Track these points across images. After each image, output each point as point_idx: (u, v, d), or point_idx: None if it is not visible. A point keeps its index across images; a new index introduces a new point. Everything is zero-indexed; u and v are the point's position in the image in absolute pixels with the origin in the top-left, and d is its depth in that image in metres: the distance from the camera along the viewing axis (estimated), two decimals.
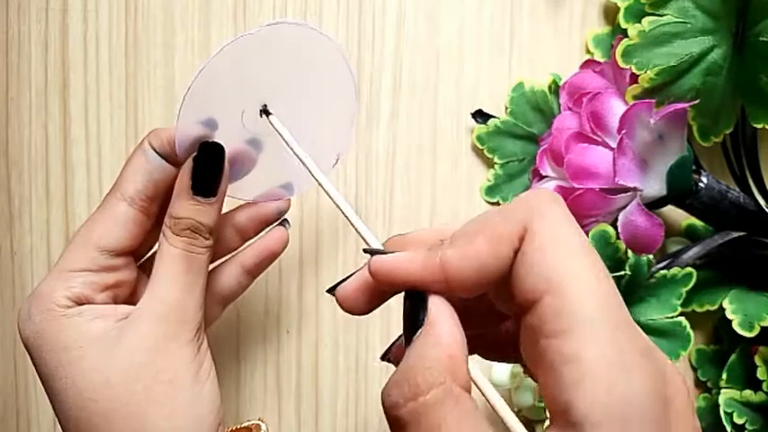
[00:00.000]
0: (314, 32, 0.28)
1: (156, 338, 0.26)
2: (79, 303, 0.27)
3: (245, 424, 0.34)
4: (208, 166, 0.27)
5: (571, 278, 0.18)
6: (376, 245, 0.22)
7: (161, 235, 0.28)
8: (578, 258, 0.18)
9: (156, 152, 0.28)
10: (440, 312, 0.20)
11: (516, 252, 0.19)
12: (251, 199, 0.32)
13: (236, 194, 0.31)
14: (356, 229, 0.23)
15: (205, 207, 0.27)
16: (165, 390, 0.26)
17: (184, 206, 0.27)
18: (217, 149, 0.28)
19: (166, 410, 0.26)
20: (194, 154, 0.27)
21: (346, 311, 0.22)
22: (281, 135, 0.28)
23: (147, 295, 0.27)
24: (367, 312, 0.23)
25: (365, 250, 0.22)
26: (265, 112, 0.28)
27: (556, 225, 0.19)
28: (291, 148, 0.27)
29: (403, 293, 0.21)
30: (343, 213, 0.24)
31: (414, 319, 0.20)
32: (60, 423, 0.26)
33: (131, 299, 0.29)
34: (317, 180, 0.26)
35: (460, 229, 0.20)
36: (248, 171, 0.31)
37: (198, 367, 0.27)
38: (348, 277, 0.22)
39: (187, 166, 0.27)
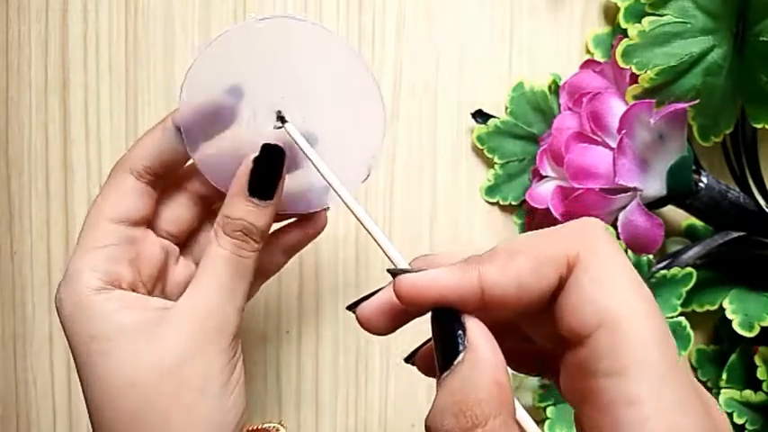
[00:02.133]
0: (332, 37, 0.27)
1: (191, 345, 0.26)
2: (108, 282, 0.26)
3: (265, 425, 0.34)
4: (268, 167, 0.27)
5: (628, 315, 0.17)
6: (403, 265, 0.21)
7: (212, 233, 0.27)
8: (634, 294, 0.18)
9: (178, 129, 0.27)
10: (481, 335, 0.19)
11: (561, 278, 0.19)
12: (291, 211, 0.30)
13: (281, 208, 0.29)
14: (382, 249, 0.22)
15: (260, 209, 0.27)
16: (193, 397, 0.25)
17: (239, 206, 0.27)
18: (278, 151, 0.27)
19: (191, 418, 0.25)
20: (255, 154, 0.27)
21: (367, 331, 0.22)
22: (297, 143, 0.27)
23: (188, 295, 0.26)
24: (389, 333, 0.22)
25: (389, 270, 0.21)
26: (281, 119, 0.27)
27: (610, 258, 0.18)
28: (309, 158, 0.26)
29: (430, 314, 0.20)
30: (367, 231, 0.23)
31: (451, 340, 0.19)
32: (89, 409, 0.26)
33: (160, 279, 0.29)
34: (338, 195, 0.25)
35: (498, 247, 0.19)
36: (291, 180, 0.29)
37: (229, 375, 0.26)
38: (369, 296, 0.22)
39: (246, 166, 0.27)
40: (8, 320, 0.40)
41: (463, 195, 0.39)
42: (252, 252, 0.27)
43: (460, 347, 0.18)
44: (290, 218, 0.31)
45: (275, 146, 0.27)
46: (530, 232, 0.20)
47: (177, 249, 0.30)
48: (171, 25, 0.39)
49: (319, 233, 0.31)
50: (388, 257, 0.22)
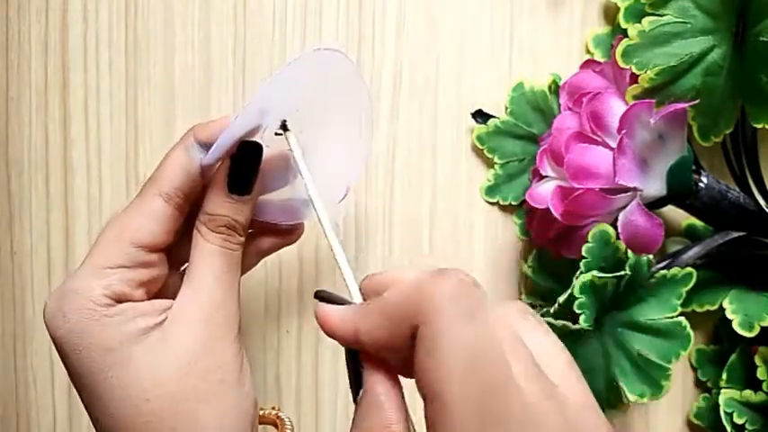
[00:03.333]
0: (347, 62, 0.29)
1: (204, 339, 0.26)
2: (118, 301, 0.26)
3: (261, 412, 0.34)
4: (246, 164, 0.28)
5: (450, 393, 0.18)
6: (355, 288, 0.24)
7: (195, 232, 0.28)
8: (460, 371, 0.18)
9: (201, 146, 0.28)
10: (375, 378, 0.22)
11: (414, 336, 0.20)
12: (272, 221, 0.31)
13: (259, 216, 0.31)
14: (341, 271, 0.25)
15: (240, 205, 0.28)
16: (215, 389, 0.26)
17: (220, 203, 0.27)
18: (256, 148, 0.28)
19: (217, 409, 0.26)
20: (233, 152, 0.27)
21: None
22: (292, 154, 0.28)
23: (188, 293, 0.27)
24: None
25: (316, 293, 0.24)
26: (284, 127, 0.28)
27: (442, 328, 0.19)
28: (299, 169, 0.28)
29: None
30: (331, 250, 0.25)
31: (353, 377, 0.22)
32: (101, 421, 0.26)
33: (162, 292, 0.29)
34: (314, 208, 0.27)
35: (375, 300, 0.22)
36: (279, 187, 0.31)
37: (241, 364, 0.27)
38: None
39: (224, 165, 0.28)
40: (8, 320, 0.40)
41: (463, 195, 0.39)
42: (238, 245, 0.28)
43: (360, 382, 0.22)
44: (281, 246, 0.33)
45: (252, 142, 0.28)
46: (405, 273, 0.22)
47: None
48: (171, 25, 0.39)
49: (293, 243, 0.33)
50: (345, 281, 0.24)
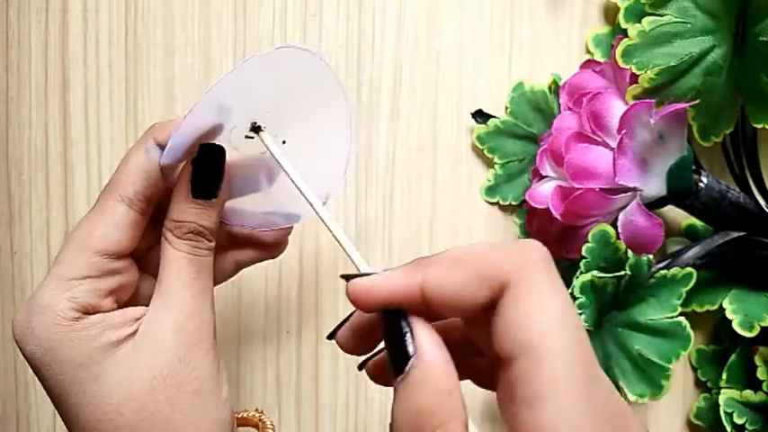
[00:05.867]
0: (321, 63, 0.28)
1: (177, 350, 0.25)
2: (86, 313, 0.25)
3: (244, 414, 0.34)
4: (208, 167, 0.27)
5: (547, 347, 0.18)
6: (365, 269, 0.23)
7: (162, 239, 0.27)
8: (557, 326, 0.18)
9: (161, 147, 0.27)
10: (429, 340, 0.19)
11: (494, 297, 0.19)
12: (248, 227, 0.30)
13: (231, 220, 0.30)
14: (347, 254, 0.23)
15: (206, 210, 0.27)
16: (191, 400, 0.25)
17: (185, 209, 0.27)
18: (217, 150, 0.27)
19: (194, 419, 0.25)
20: (194, 156, 0.27)
21: (348, 353, 0.23)
22: (270, 152, 0.27)
23: (159, 303, 0.26)
24: (367, 352, 0.24)
25: (342, 276, 0.22)
26: (256, 129, 0.27)
27: (540, 286, 0.19)
28: (280, 164, 0.26)
29: (382, 317, 0.21)
30: (335, 238, 0.24)
31: (400, 342, 0.19)
32: None
33: (133, 299, 0.28)
34: (308, 201, 0.25)
35: (445, 253, 0.21)
36: (250, 192, 0.30)
37: (217, 371, 0.27)
38: (344, 321, 0.23)
39: (186, 169, 0.27)
40: (8, 320, 0.40)
41: (463, 195, 0.39)
42: (207, 250, 0.27)
43: (410, 350, 0.19)
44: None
45: (213, 144, 0.27)
46: (480, 242, 0.21)
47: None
48: (171, 25, 0.39)
49: (275, 257, 0.32)
50: (353, 262, 0.23)
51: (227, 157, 0.27)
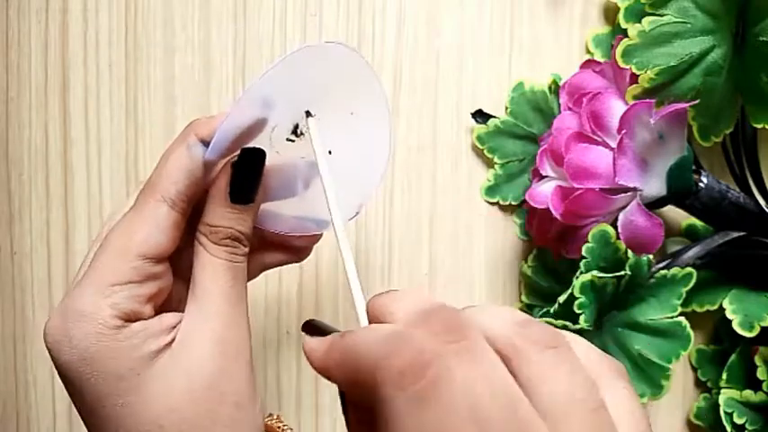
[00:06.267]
0: (365, 65, 0.27)
1: (217, 361, 0.25)
2: (127, 320, 0.24)
3: (267, 422, 0.34)
4: (248, 171, 0.26)
5: None
6: (363, 312, 0.22)
7: (196, 243, 0.26)
8: None
9: (204, 143, 0.25)
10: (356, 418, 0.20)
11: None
12: (281, 231, 0.29)
13: (264, 224, 0.29)
14: (350, 289, 0.23)
15: (243, 215, 0.26)
16: (231, 413, 0.25)
17: (222, 214, 0.26)
18: (258, 154, 0.26)
19: (232, 431, 0.25)
20: (234, 159, 0.25)
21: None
22: (312, 144, 0.26)
23: (195, 310, 0.25)
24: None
25: (303, 326, 0.22)
26: (308, 113, 0.26)
27: (393, 416, 0.17)
28: (319, 170, 0.25)
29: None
30: (346, 271, 0.23)
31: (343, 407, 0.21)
32: None
33: (167, 303, 0.27)
34: (330, 212, 0.24)
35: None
36: (286, 196, 0.29)
37: (254, 384, 0.26)
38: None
39: (225, 172, 0.26)
40: (8, 321, 0.40)
41: (463, 195, 0.39)
42: (243, 257, 0.26)
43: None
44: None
45: (255, 149, 0.26)
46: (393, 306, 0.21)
47: None
48: (171, 25, 0.39)
49: (300, 261, 0.31)
50: (352, 297, 0.23)
51: (268, 161, 0.26)
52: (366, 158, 0.29)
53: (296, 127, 0.27)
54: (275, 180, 0.28)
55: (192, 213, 0.27)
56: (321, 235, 0.31)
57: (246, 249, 0.27)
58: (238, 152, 0.26)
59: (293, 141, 0.27)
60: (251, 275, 0.30)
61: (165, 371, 0.24)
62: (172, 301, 0.27)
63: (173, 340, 0.25)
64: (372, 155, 0.29)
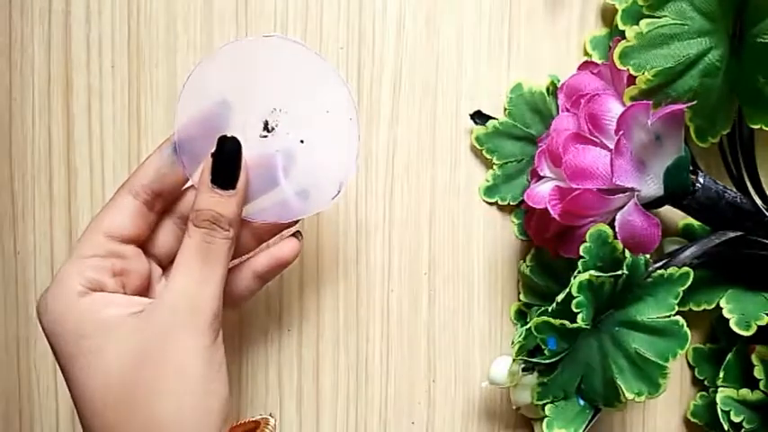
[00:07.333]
0: (312, 54, 0.30)
1: (166, 328, 0.27)
2: (92, 289, 0.28)
3: (255, 417, 0.34)
4: (225, 156, 0.29)
5: None
6: None
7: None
8: None
9: (173, 144, 0.29)
10: None
11: None
12: (270, 221, 0.32)
13: (254, 217, 0.31)
14: None
15: (224, 199, 0.28)
16: (173, 380, 0.26)
17: (204, 198, 0.28)
18: (232, 140, 0.29)
19: (173, 402, 0.26)
20: (213, 149, 0.29)
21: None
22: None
23: (164, 288, 0.28)
24: None
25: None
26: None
27: None
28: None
29: None
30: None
31: None
32: (77, 405, 0.27)
33: (146, 293, 0.30)
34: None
35: None
36: (269, 189, 0.31)
37: (209, 358, 0.27)
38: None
39: (207, 162, 0.29)
40: (11, 320, 0.40)
41: (462, 196, 0.40)
42: (222, 239, 0.29)
43: None
44: (282, 229, 0.33)
45: (230, 137, 0.29)
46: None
47: (161, 270, 0.32)
48: (173, 27, 0.39)
49: (290, 260, 0.33)
50: None
51: (247, 158, 0.29)
52: (337, 139, 0.31)
53: (266, 123, 0.30)
54: (258, 176, 0.30)
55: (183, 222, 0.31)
56: (301, 235, 0.34)
57: (227, 233, 0.29)
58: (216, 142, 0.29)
59: (266, 137, 0.30)
60: (249, 289, 0.32)
61: (123, 336, 0.27)
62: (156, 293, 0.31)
63: (140, 312, 0.27)
64: (342, 135, 0.31)
